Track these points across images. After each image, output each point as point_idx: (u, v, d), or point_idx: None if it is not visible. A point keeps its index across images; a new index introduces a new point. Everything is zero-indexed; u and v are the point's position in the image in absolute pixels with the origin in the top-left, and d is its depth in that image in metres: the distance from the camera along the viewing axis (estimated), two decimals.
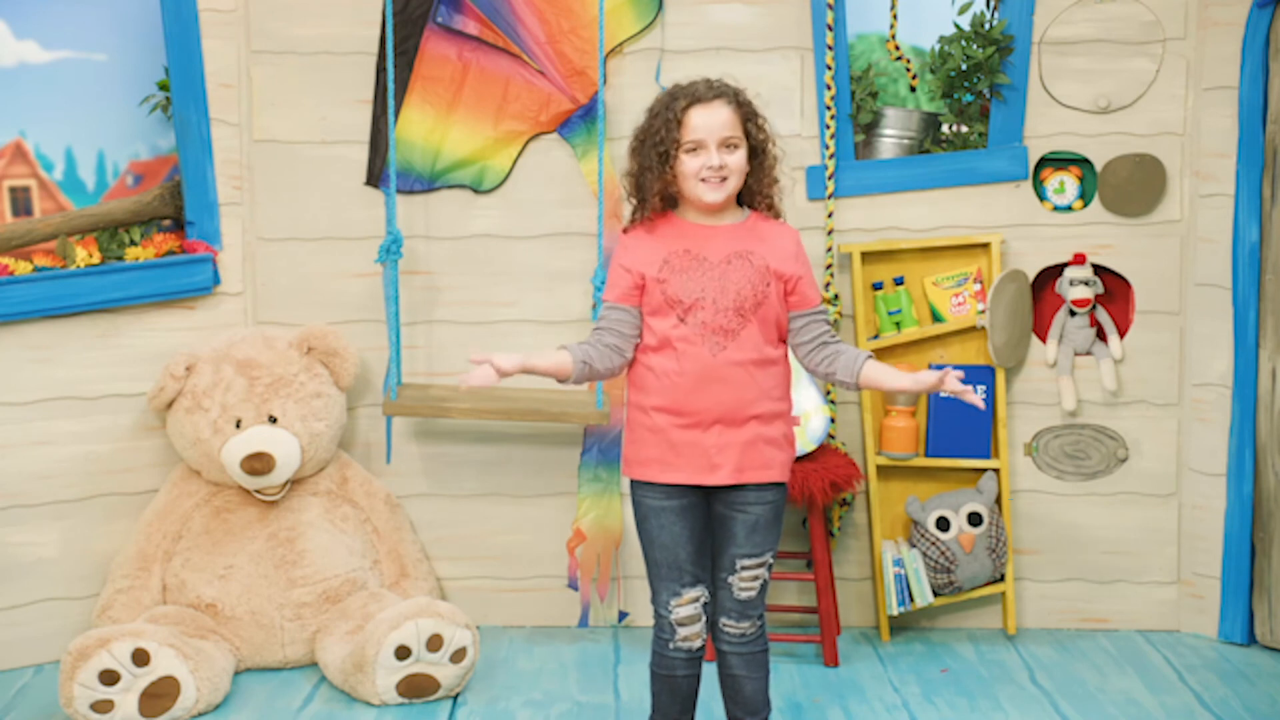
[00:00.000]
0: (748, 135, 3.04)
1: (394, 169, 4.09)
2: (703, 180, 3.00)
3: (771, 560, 3.15)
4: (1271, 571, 4.12)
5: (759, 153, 3.06)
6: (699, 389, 3.03)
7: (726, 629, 3.15)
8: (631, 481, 3.16)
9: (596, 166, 4.12)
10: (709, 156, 2.99)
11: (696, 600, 3.12)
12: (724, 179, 3.00)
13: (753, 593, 3.13)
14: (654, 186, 3.03)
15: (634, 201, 3.11)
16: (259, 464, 3.87)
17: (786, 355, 3.13)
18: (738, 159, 3.01)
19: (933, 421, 4.18)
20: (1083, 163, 4.23)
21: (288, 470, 3.94)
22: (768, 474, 3.09)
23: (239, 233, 4.17)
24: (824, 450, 4.09)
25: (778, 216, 3.13)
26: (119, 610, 3.88)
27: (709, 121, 2.99)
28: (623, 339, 3.08)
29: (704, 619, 3.14)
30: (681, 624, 3.12)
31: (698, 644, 3.15)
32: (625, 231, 3.14)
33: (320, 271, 4.22)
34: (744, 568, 3.11)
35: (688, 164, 3.00)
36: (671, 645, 3.15)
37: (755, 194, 3.10)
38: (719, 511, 3.13)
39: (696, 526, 3.11)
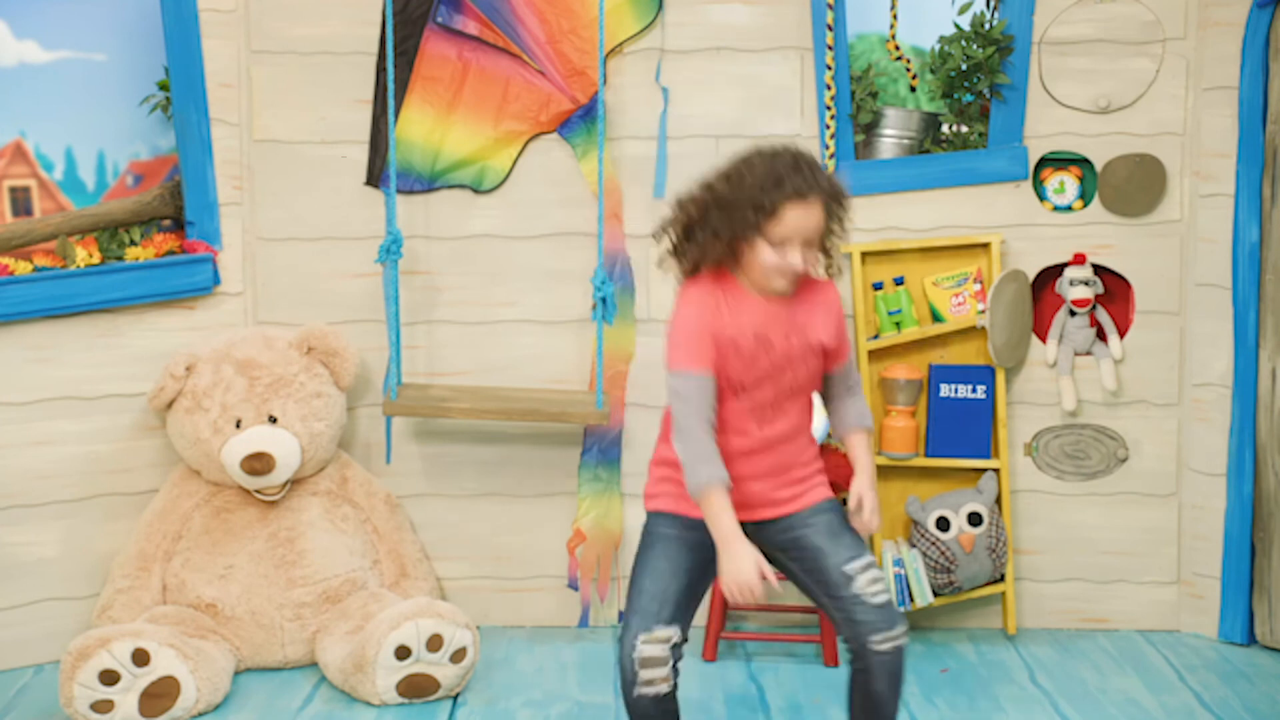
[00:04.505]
0: (829, 222, 2.90)
1: (394, 169, 4.09)
2: (778, 273, 2.87)
3: (874, 560, 3.01)
4: (1271, 571, 4.12)
5: (832, 231, 2.93)
6: (742, 458, 2.97)
7: (879, 647, 2.93)
8: (649, 514, 3.07)
9: (596, 166, 4.12)
10: (792, 255, 2.85)
11: (666, 641, 2.93)
12: (796, 274, 2.89)
13: (886, 594, 2.96)
14: (718, 253, 2.89)
15: (688, 257, 2.94)
16: (259, 464, 3.87)
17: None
18: (814, 255, 2.90)
19: (933, 421, 4.18)
20: (1083, 163, 4.23)
21: (288, 470, 3.94)
22: (811, 500, 3.04)
23: (239, 233, 4.17)
24: (824, 450, 4.08)
25: (831, 276, 3.01)
26: (119, 610, 3.88)
27: (803, 224, 2.84)
28: (714, 410, 2.93)
29: (671, 664, 2.93)
30: (645, 664, 2.92)
31: (664, 688, 2.93)
32: (689, 283, 2.95)
33: (320, 271, 4.22)
34: (856, 570, 2.95)
35: (766, 254, 2.86)
36: (635, 691, 2.94)
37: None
38: (782, 541, 3.03)
39: (699, 567, 2.99)
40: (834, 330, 3.01)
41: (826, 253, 2.97)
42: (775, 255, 2.86)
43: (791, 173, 2.85)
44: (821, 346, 2.99)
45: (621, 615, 4.30)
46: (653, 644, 2.93)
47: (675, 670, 2.95)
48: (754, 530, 2.99)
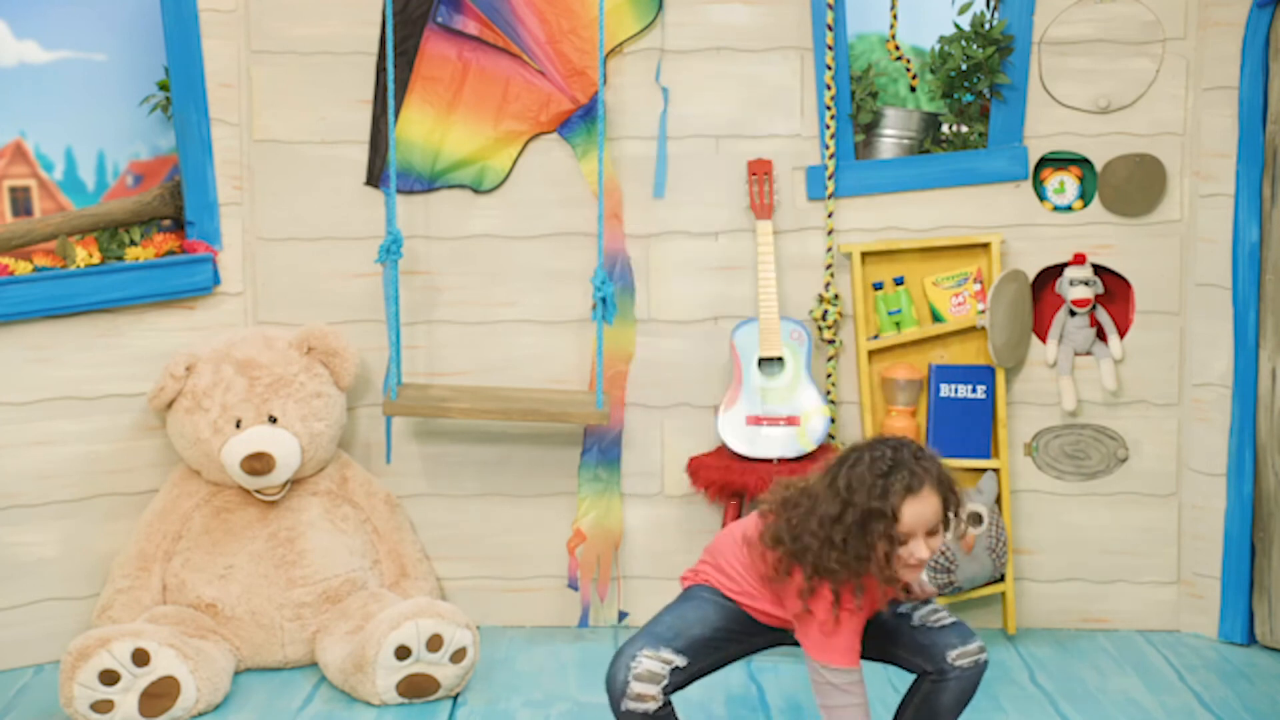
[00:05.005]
0: (944, 509, 2.90)
1: (394, 169, 4.09)
2: (908, 567, 2.87)
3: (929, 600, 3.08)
4: (1271, 571, 4.12)
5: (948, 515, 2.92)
6: None
7: (960, 662, 2.99)
8: (690, 586, 3.13)
9: (596, 166, 4.12)
10: (918, 547, 2.84)
11: (668, 663, 2.94)
12: (925, 563, 2.89)
13: (950, 617, 3.02)
14: (866, 571, 2.87)
15: (842, 574, 2.88)
16: (259, 464, 3.86)
17: None
18: (937, 542, 2.89)
19: (933, 421, 4.18)
20: (1083, 163, 4.23)
21: (288, 470, 3.93)
22: None
23: (239, 233, 4.17)
24: (824, 450, 4.09)
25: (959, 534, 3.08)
26: (119, 610, 3.88)
27: (921, 515, 2.84)
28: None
29: (665, 684, 2.92)
30: (640, 678, 2.92)
31: (651, 706, 2.92)
32: (840, 598, 2.91)
33: (320, 271, 4.22)
34: (910, 611, 3.03)
35: (894, 555, 2.86)
36: (623, 705, 2.93)
37: None
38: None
39: (726, 631, 3.03)
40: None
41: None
42: (899, 551, 2.85)
43: (898, 469, 2.85)
44: None
45: (622, 615, 4.31)
46: (654, 660, 2.94)
47: (667, 694, 2.94)
48: (777, 634, 3.05)
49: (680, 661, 2.96)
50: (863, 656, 3.01)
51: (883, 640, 3.07)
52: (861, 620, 2.96)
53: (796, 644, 3.05)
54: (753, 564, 3.03)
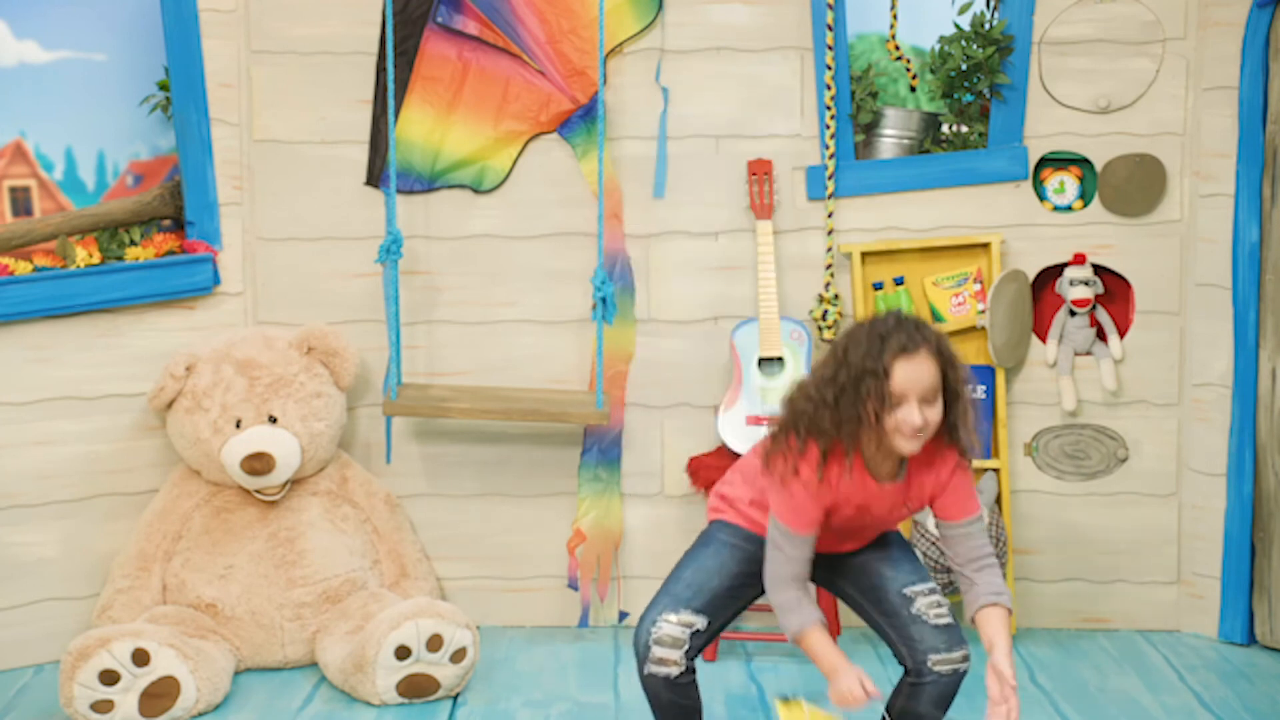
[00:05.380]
0: (945, 382, 2.88)
1: (394, 169, 4.09)
2: (903, 435, 2.85)
3: (938, 587, 3.07)
4: (1271, 571, 4.12)
5: (955, 398, 2.90)
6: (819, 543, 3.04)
7: (938, 668, 2.98)
8: (711, 523, 3.14)
9: (596, 166, 4.12)
10: (910, 412, 2.82)
11: (689, 626, 2.97)
12: (921, 432, 2.86)
13: (948, 617, 3.01)
14: (857, 433, 2.87)
15: (823, 441, 2.89)
16: (259, 464, 3.86)
17: None
18: (936, 413, 2.86)
19: None
20: (1083, 163, 4.23)
21: (288, 470, 3.94)
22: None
23: (239, 233, 4.17)
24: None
25: (963, 452, 2.96)
26: (119, 610, 3.88)
27: (914, 377, 2.82)
28: (809, 564, 3.00)
29: (686, 649, 2.96)
30: (659, 642, 2.95)
31: (674, 671, 2.96)
32: (819, 462, 2.92)
33: (320, 271, 4.22)
34: (918, 593, 3.02)
35: (888, 419, 2.84)
36: (646, 669, 2.97)
37: (940, 429, 2.93)
38: (839, 565, 3.11)
39: (745, 576, 3.04)
40: (937, 493, 2.99)
41: (954, 430, 2.92)
42: (895, 414, 2.83)
43: (889, 330, 2.85)
44: (922, 505, 3.02)
45: (622, 615, 4.31)
46: (673, 624, 2.97)
47: (690, 658, 2.97)
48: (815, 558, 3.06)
49: (700, 624, 2.99)
50: (864, 623, 3.07)
51: (878, 614, 3.08)
52: (835, 502, 2.94)
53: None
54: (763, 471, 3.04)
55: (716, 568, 3.05)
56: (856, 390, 2.83)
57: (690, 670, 2.99)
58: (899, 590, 3.04)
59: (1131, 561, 4.28)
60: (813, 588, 3.09)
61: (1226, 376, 4.15)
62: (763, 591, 3.08)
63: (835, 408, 2.85)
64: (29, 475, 3.95)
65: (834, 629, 4.00)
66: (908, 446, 2.86)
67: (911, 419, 2.82)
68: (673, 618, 2.98)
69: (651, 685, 3.00)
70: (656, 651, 2.96)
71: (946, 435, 2.93)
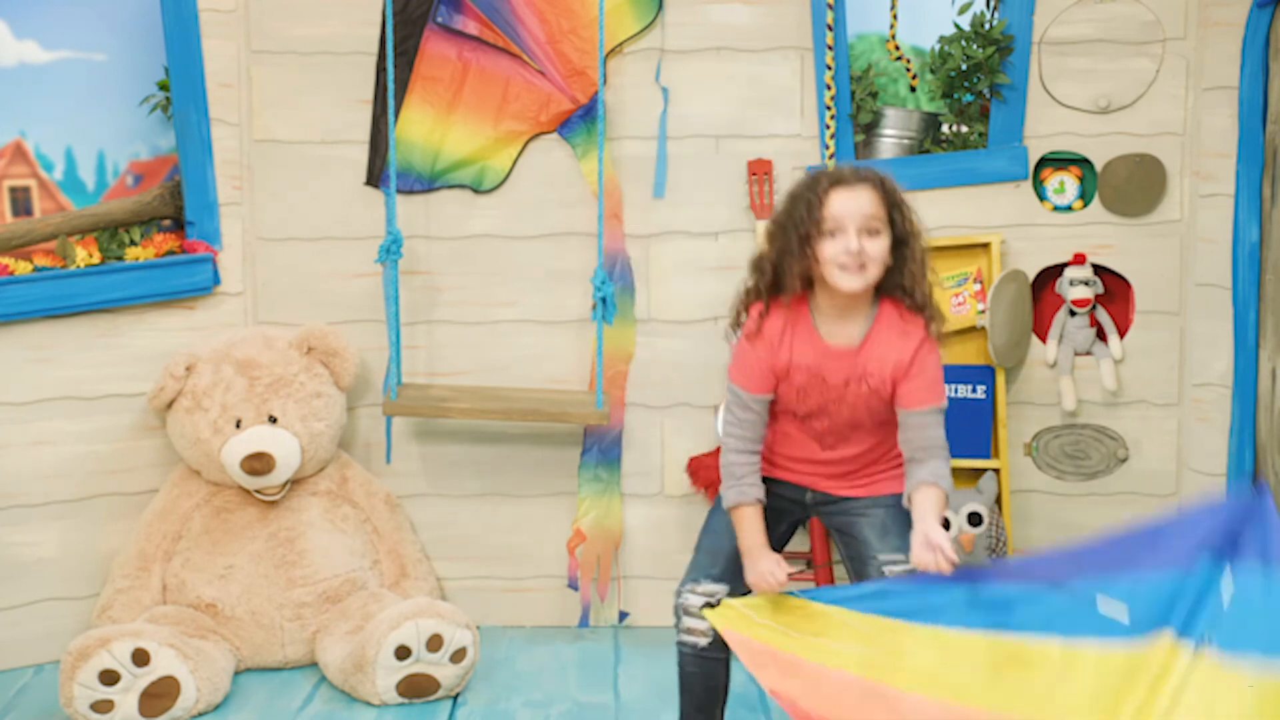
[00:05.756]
0: (892, 224, 2.91)
1: (394, 169, 4.09)
2: (841, 267, 2.87)
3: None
4: None
5: (903, 243, 2.93)
6: (807, 463, 3.07)
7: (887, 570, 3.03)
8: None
9: (596, 166, 4.12)
10: (848, 240, 2.86)
11: (710, 595, 3.03)
12: (863, 266, 2.87)
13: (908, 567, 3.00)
14: (795, 269, 2.91)
15: (762, 282, 2.98)
16: (259, 464, 3.87)
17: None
18: (878, 246, 2.88)
19: None
20: (1083, 163, 4.23)
21: (288, 470, 3.94)
22: (877, 490, 3.09)
23: (239, 233, 4.17)
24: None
25: (921, 311, 2.96)
26: (119, 610, 3.88)
27: (850, 205, 2.87)
28: (765, 424, 3.05)
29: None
30: (686, 613, 3.05)
31: (703, 641, 3.06)
32: (753, 311, 3.00)
33: (320, 271, 4.22)
34: (893, 573, 3.00)
35: (826, 247, 2.87)
36: (678, 638, 3.10)
37: (895, 287, 2.96)
38: (839, 523, 3.11)
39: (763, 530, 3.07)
40: (899, 374, 2.96)
41: (909, 291, 2.94)
42: (834, 244, 2.87)
43: (833, 170, 2.94)
44: (889, 392, 2.98)
45: (622, 615, 4.31)
46: (696, 595, 3.04)
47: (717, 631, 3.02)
48: (814, 499, 3.10)
49: (721, 591, 3.03)
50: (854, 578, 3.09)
51: (853, 565, 3.12)
52: (787, 365, 2.97)
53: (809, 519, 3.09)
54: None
55: (725, 528, 3.08)
56: (792, 221, 2.89)
57: (721, 645, 3.03)
58: (880, 566, 3.04)
59: None
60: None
61: (1226, 376, 4.15)
62: (780, 543, 3.14)
63: (773, 246, 2.94)
64: (29, 475, 3.95)
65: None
66: (847, 281, 2.88)
67: (848, 244, 2.85)
68: (696, 589, 3.05)
69: (681, 656, 3.10)
70: (685, 621, 3.06)
71: (903, 297, 2.95)
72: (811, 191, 2.89)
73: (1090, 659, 2.72)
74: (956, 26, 4.20)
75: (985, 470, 4.19)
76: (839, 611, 2.93)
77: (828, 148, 4.16)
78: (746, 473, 3.02)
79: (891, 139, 4.28)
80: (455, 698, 3.78)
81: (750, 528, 3.00)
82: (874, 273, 2.89)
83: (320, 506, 4.05)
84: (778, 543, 3.16)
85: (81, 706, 3.52)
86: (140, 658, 3.54)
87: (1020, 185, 4.21)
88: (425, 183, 4.22)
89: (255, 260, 4.21)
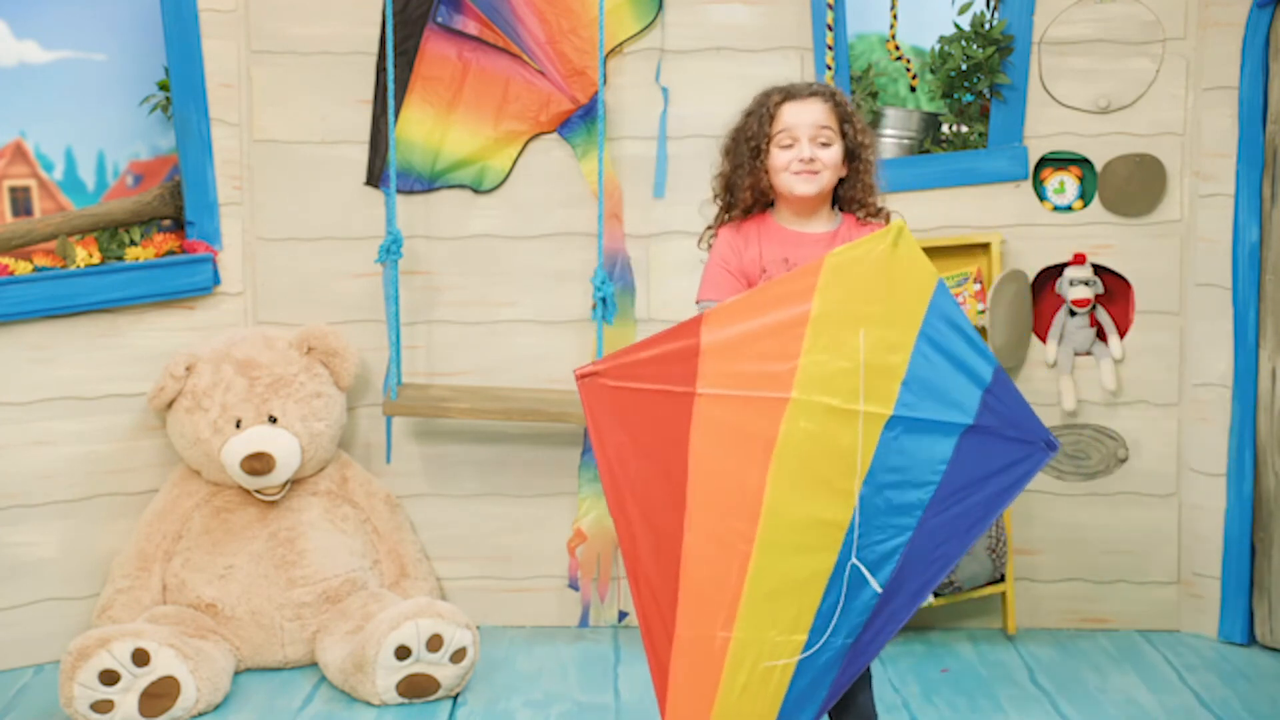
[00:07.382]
0: (844, 135, 2.98)
1: (394, 169, 4.10)
2: (794, 174, 2.95)
3: None
4: (1271, 571, 4.12)
5: (855, 156, 3.00)
6: None
7: None
8: None
9: (596, 166, 4.12)
10: (800, 149, 2.95)
11: None
12: (815, 172, 2.95)
13: None
14: (746, 182, 3.00)
15: (723, 200, 3.07)
16: (259, 464, 3.87)
17: None
18: (831, 154, 2.96)
19: None
20: (1083, 163, 4.23)
21: (288, 470, 3.94)
22: None
23: (239, 233, 4.17)
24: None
25: (877, 215, 3.03)
26: (119, 610, 3.88)
27: (801, 116, 2.96)
28: None
29: None
30: None
31: None
32: (718, 229, 3.08)
33: (320, 271, 4.22)
34: None
35: (779, 157, 2.96)
36: None
37: (850, 200, 3.03)
38: None
39: None
40: None
41: (864, 203, 3.01)
42: (787, 153, 2.95)
43: (785, 85, 3.04)
44: None
45: (622, 615, 4.31)
46: None
47: None
48: None
49: None
50: None
51: None
52: (734, 272, 3.01)
53: None
54: None
55: None
56: (745, 135, 2.99)
57: None
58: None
59: (1131, 561, 4.28)
60: None
61: (1226, 376, 4.15)
62: None
63: (728, 160, 3.02)
64: (29, 475, 3.95)
65: None
66: (801, 185, 2.96)
67: (800, 152, 2.93)
68: None
69: None
70: None
71: (858, 210, 3.02)
72: (763, 106, 2.99)
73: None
74: (956, 26, 4.20)
75: None
76: None
77: None
78: None
79: (892, 139, 4.28)
80: (455, 698, 3.78)
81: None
82: (827, 177, 2.98)
83: (320, 506, 4.05)
84: None
85: (81, 706, 3.52)
86: (140, 658, 3.54)
87: (1020, 185, 4.21)
88: (425, 183, 4.22)
89: (255, 260, 4.21)
